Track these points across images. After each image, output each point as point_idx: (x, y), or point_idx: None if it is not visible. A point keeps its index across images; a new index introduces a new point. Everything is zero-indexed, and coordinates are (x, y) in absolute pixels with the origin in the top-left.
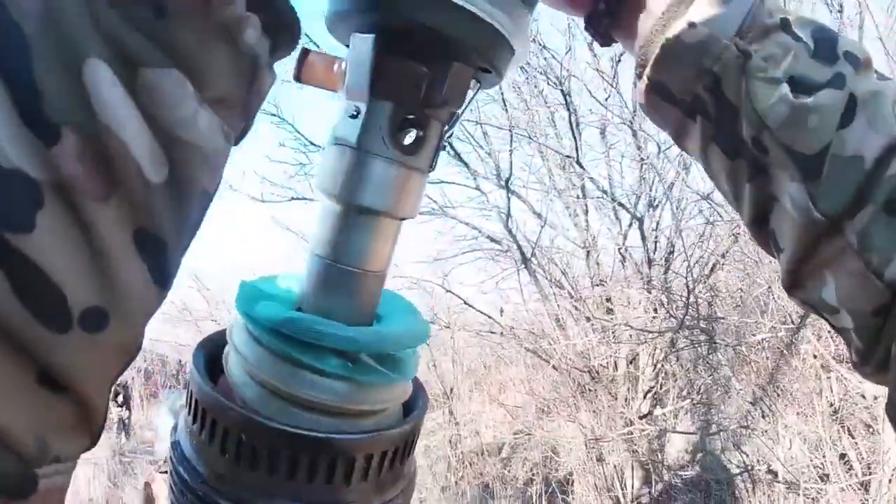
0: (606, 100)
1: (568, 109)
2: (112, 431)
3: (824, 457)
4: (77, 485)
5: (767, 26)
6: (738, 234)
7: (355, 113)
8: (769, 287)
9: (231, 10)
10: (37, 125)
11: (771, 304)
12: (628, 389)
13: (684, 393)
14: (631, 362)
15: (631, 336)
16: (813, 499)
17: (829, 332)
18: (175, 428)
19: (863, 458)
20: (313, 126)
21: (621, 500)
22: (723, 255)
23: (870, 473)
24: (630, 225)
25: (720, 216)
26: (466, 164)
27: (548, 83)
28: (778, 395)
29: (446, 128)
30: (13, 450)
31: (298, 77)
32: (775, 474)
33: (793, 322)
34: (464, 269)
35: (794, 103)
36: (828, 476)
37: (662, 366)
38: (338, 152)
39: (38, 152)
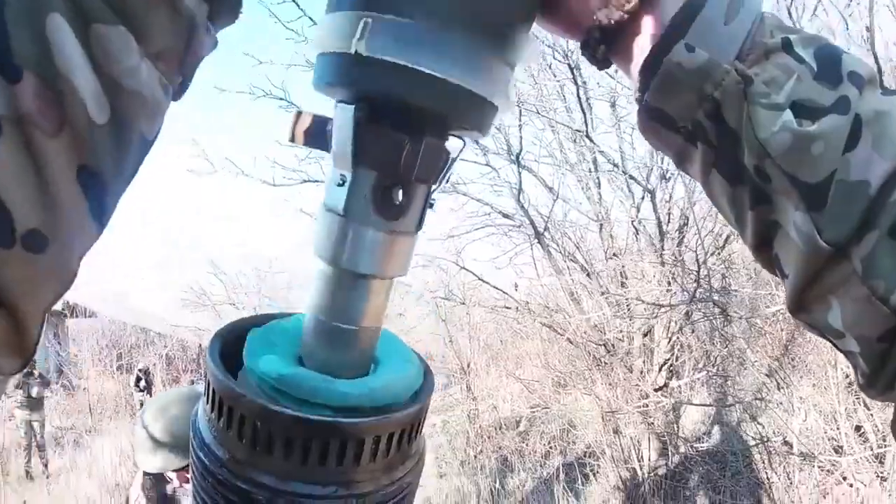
0: (616, 72)
1: (575, 83)
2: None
3: (839, 428)
4: (103, 470)
5: (769, 47)
6: None
7: (341, 181)
8: None
9: None
10: (4, 67)
11: None
12: (644, 362)
13: (700, 365)
14: (646, 335)
15: (645, 310)
16: (828, 471)
17: None
18: (195, 415)
19: (878, 430)
20: (322, 110)
21: (638, 471)
22: None
23: (885, 445)
24: (643, 198)
25: None
26: (476, 141)
27: (555, 57)
28: (793, 367)
29: (433, 188)
30: None
31: (292, 138)
32: (790, 446)
33: None
34: (477, 245)
35: (798, 131)
36: (842, 448)
37: (678, 338)
38: (328, 219)
39: (3, 90)
